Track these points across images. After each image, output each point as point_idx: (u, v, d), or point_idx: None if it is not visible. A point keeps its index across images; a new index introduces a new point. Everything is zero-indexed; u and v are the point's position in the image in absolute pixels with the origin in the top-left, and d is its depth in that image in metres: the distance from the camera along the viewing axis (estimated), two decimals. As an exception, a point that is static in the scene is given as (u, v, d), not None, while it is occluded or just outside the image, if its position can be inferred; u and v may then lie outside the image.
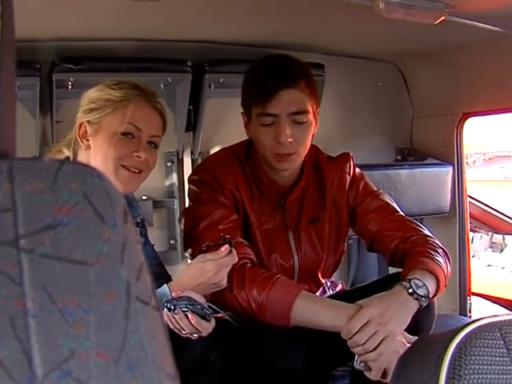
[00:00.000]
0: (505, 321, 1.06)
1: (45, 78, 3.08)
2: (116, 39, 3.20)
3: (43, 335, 0.60)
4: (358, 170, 2.74)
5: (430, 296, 2.30)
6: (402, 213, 2.68)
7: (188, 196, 2.71)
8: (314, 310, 2.28)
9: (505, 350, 1.02)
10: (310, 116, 2.46)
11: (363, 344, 2.17)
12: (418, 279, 2.28)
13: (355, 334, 2.18)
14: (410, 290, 2.26)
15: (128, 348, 0.62)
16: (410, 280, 2.27)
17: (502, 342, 1.03)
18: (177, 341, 2.13)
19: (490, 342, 1.02)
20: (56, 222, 0.62)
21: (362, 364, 2.21)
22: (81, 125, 2.32)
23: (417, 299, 2.25)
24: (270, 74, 2.44)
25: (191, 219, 2.52)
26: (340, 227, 2.69)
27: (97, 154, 2.28)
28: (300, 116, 2.42)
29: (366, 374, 2.21)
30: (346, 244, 2.87)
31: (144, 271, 0.66)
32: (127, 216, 0.66)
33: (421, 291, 2.26)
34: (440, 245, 2.52)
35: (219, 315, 2.12)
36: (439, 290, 2.36)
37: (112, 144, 2.26)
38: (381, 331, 2.17)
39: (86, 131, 2.31)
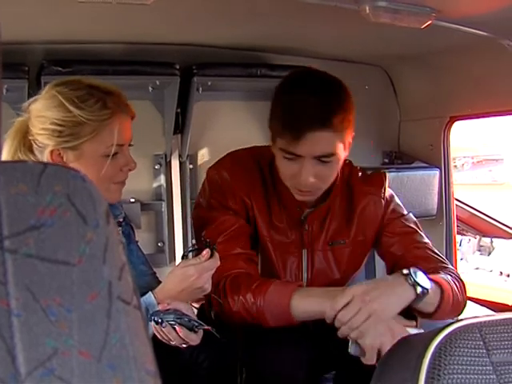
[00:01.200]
0: (485, 322, 1.08)
1: (33, 81, 3.09)
2: (105, 42, 3.21)
3: (27, 334, 0.61)
4: (388, 190, 2.60)
5: (430, 291, 2.19)
6: (427, 240, 2.56)
7: (202, 185, 2.59)
8: (312, 301, 2.22)
9: (484, 351, 1.04)
10: (339, 152, 2.28)
11: (347, 322, 2.11)
12: (420, 271, 2.20)
13: (339, 312, 2.12)
14: (405, 272, 2.18)
15: (109, 346, 0.63)
16: (411, 268, 2.20)
17: (481, 343, 1.04)
18: (163, 343, 2.13)
19: (470, 342, 1.04)
20: (39, 223, 0.64)
21: (357, 348, 2.16)
22: (52, 152, 2.16)
23: (412, 286, 2.17)
24: (301, 111, 2.22)
25: (199, 221, 2.50)
26: (362, 252, 2.57)
27: None
28: (326, 158, 2.25)
29: (362, 359, 2.14)
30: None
31: (126, 271, 0.67)
32: (109, 217, 0.68)
33: (419, 279, 2.17)
34: (459, 277, 2.43)
35: (206, 327, 2.10)
36: (443, 303, 2.25)
37: (98, 168, 2.15)
38: (364, 309, 2.10)
39: (62, 156, 2.17)
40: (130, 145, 2.25)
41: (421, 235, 2.55)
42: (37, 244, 0.63)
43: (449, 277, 2.36)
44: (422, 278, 2.19)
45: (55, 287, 0.63)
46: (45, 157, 2.17)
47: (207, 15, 2.82)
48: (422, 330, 2.14)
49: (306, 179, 2.26)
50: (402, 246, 2.50)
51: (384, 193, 2.56)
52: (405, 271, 2.19)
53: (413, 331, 2.16)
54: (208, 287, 2.17)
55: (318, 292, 2.29)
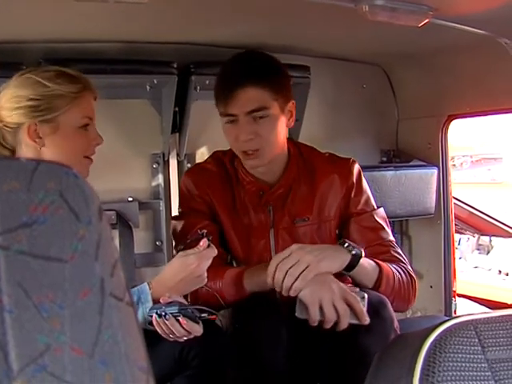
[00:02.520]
0: (480, 319, 1.08)
1: (31, 80, 3.09)
2: (102, 41, 3.20)
3: (19, 330, 0.61)
4: (365, 182, 2.72)
5: (366, 263, 2.41)
6: (392, 238, 2.69)
7: None
8: (259, 272, 2.37)
9: (479, 348, 1.04)
10: (274, 110, 2.47)
11: (287, 272, 2.24)
12: (358, 248, 2.37)
13: (280, 263, 2.26)
14: (341, 241, 2.41)
15: (102, 343, 0.63)
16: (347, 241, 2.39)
17: (476, 340, 1.04)
18: (154, 340, 2.15)
19: (465, 339, 1.04)
20: (32, 220, 0.64)
21: (302, 309, 2.25)
22: (29, 127, 2.25)
23: (347, 249, 2.35)
24: (229, 74, 2.51)
25: (173, 229, 2.68)
26: (327, 231, 2.67)
27: (55, 151, 2.26)
28: (259, 113, 2.45)
29: (309, 322, 2.24)
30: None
31: (118, 268, 0.67)
32: (102, 214, 0.68)
33: (356, 249, 2.35)
34: (411, 275, 2.58)
35: (212, 317, 2.13)
36: (382, 281, 2.44)
37: (72, 139, 2.28)
38: (301, 259, 2.24)
39: (38, 132, 2.25)
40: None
41: (387, 232, 2.67)
42: (29, 241, 0.63)
43: (398, 268, 2.53)
44: (357, 248, 2.38)
45: (47, 284, 0.63)
46: (20, 135, 2.27)
47: (205, 14, 2.82)
48: (365, 294, 2.27)
49: (245, 138, 2.45)
50: (365, 241, 2.60)
51: (350, 174, 2.67)
52: (340, 241, 2.42)
53: (355, 294, 2.27)
54: (205, 278, 2.24)
55: (263, 265, 2.39)
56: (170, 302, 2.09)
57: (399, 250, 2.66)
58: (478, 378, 1.02)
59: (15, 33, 2.79)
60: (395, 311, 2.40)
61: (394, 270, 2.50)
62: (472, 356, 1.03)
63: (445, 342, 1.03)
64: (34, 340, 0.61)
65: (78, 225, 0.66)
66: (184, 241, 2.34)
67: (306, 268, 2.24)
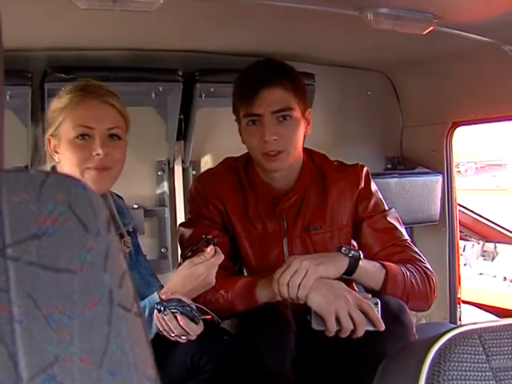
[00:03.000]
0: (484, 328, 1.08)
1: (36, 87, 3.10)
2: (107, 49, 3.21)
3: (28, 340, 0.62)
4: (373, 185, 2.73)
5: (367, 264, 2.42)
6: (407, 238, 2.67)
7: None
8: (268, 284, 2.37)
9: (484, 357, 1.04)
10: (296, 113, 2.51)
11: (289, 283, 2.27)
12: (356, 251, 2.40)
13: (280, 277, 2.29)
14: (338, 248, 2.41)
15: (110, 353, 0.64)
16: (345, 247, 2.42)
17: (481, 349, 1.05)
18: (166, 346, 2.17)
19: (470, 348, 1.04)
20: (41, 231, 0.64)
21: (318, 320, 2.27)
22: (49, 141, 2.35)
23: (344, 253, 2.37)
24: (253, 76, 2.53)
25: (180, 236, 2.66)
26: (341, 239, 2.66)
27: (65, 164, 2.31)
28: (284, 113, 2.47)
29: (326, 333, 2.26)
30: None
31: (126, 278, 0.68)
32: (110, 225, 0.68)
33: (353, 252, 2.38)
34: (428, 273, 2.56)
35: (208, 317, 2.16)
36: (388, 282, 2.43)
37: (72, 150, 2.28)
38: (300, 269, 2.28)
39: (54, 145, 2.34)
40: (113, 135, 2.34)
41: (401, 232, 2.66)
42: (38, 252, 0.64)
43: (412, 268, 2.52)
44: (355, 251, 2.40)
45: (57, 295, 0.64)
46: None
47: (210, 22, 2.83)
48: (378, 300, 2.28)
49: (270, 138, 2.45)
50: (379, 243, 2.62)
51: (360, 180, 2.67)
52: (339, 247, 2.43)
53: (367, 300, 2.28)
54: (213, 282, 2.27)
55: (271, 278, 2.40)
56: (171, 299, 2.12)
57: (415, 249, 2.64)
58: (482, 386, 1.02)
59: (21, 41, 2.80)
60: (414, 311, 2.46)
61: (404, 269, 2.48)
62: (477, 365, 1.03)
63: (449, 350, 1.03)
64: (44, 350, 0.62)
65: (87, 236, 0.66)
66: (191, 248, 2.34)
67: (305, 275, 2.27)
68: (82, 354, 0.63)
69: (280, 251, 2.62)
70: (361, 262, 2.38)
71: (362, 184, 2.67)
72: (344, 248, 2.38)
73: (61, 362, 0.62)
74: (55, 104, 2.34)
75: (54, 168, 2.39)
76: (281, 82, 2.48)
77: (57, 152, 2.33)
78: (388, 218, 2.67)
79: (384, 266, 2.45)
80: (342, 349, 2.35)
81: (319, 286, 2.29)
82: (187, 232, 2.62)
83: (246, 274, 2.69)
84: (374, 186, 2.72)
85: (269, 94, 2.46)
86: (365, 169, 2.72)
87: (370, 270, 2.43)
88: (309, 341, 2.42)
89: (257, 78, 2.50)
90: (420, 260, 2.59)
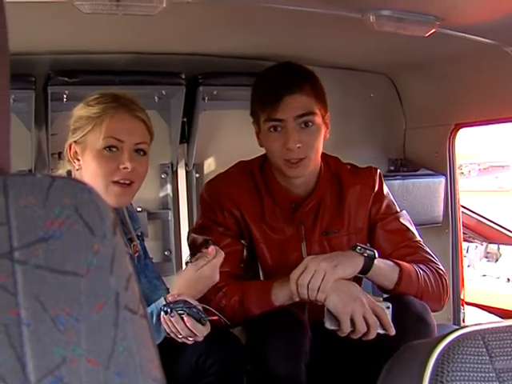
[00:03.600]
0: (488, 329, 1.08)
1: (40, 91, 3.11)
2: (110, 52, 3.22)
3: (36, 343, 0.62)
4: (385, 187, 2.74)
5: (382, 264, 2.43)
6: (419, 239, 2.69)
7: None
8: (285, 286, 2.39)
9: (487, 358, 1.05)
10: (318, 119, 2.52)
11: (308, 285, 2.30)
12: (371, 250, 2.42)
13: (298, 279, 2.32)
14: (353, 246, 2.43)
15: (117, 354, 0.64)
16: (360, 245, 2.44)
17: (484, 350, 1.05)
18: (172, 348, 2.19)
19: (473, 349, 1.05)
20: (48, 234, 0.65)
21: (331, 319, 2.30)
22: (70, 146, 2.34)
23: (360, 252, 2.39)
24: (275, 81, 2.51)
25: (193, 243, 2.58)
26: (359, 240, 2.63)
27: (87, 173, 2.30)
28: (307, 118, 2.48)
29: (339, 333, 2.30)
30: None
31: (132, 281, 0.68)
32: (116, 228, 0.69)
33: (368, 251, 2.40)
34: (441, 274, 2.58)
35: (214, 318, 2.17)
36: (403, 281, 2.45)
37: (97, 161, 2.27)
38: (318, 270, 2.30)
39: (76, 151, 2.32)
40: (139, 150, 2.35)
41: (413, 233, 2.69)
42: (46, 255, 0.65)
43: (425, 268, 2.54)
44: (369, 249, 2.43)
45: (64, 297, 0.64)
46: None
47: (213, 25, 2.83)
48: (390, 304, 2.32)
49: (294, 146, 2.44)
50: (392, 244, 2.63)
51: (374, 183, 2.69)
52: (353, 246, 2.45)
53: (381, 304, 2.33)
54: (217, 278, 2.28)
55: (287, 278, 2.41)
56: (178, 301, 2.14)
57: (428, 250, 2.65)
58: (486, 387, 1.03)
59: (25, 45, 2.81)
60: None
61: (418, 269, 2.50)
62: (480, 366, 1.04)
63: (453, 351, 1.03)
64: (51, 352, 0.63)
65: (93, 239, 0.67)
66: (191, 253, 2.36)
67: (324, 277, 2.29)
68: (89, 355, 0.63)
69: (299, 255, 2.60)
70: (376, 261, 2.40)
71: (377, 187, 2.69)
72: (359, 247, 2.40)
73: (68, 364, 0.62)
74: (82, 111, 2.33)
75: (69, 173, 2.38)
76: (303, 87, 2.48)
77: (78, 159, 2.32)
78: (400, 220, 2.69)
79: (398, 265, 2.47)
80: (361, 348, 2.37)
81: (337, 287, 2.31)
82: (199, 239, 2.52)
83: (262, 279, 2.67)
84: (386, 189, 2.74)
85: (292, 99, 2.45)
86: (378, 171, 2.74)
87: (384, 269, 2.45)
88: (324, 344, 2.44)
89: (279, 83, 2.49)
90: (432, 261, 2.61)
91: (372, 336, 2.29)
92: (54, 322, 0.63)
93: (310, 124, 2.49)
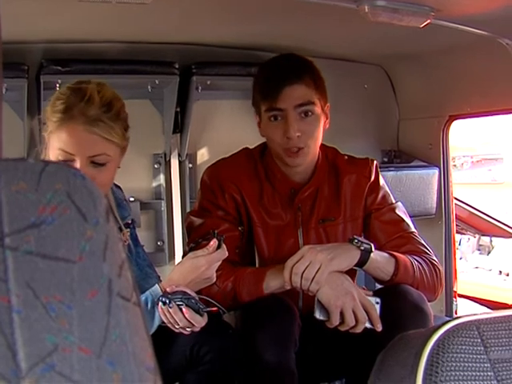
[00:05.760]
0: (482, 319, 1.08)
1: (32, 80, 3.10)
2: (104, 41, 3.21)
3: (27, 330, 0.61)
4: (382, 179, 2.77)
5: (378, 256, 2.45)
6: (414, 230, 2.71)
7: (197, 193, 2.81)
8: (276, 274, 2.42)
9: (482, 348, 1.04)
10: (318, 109, 2.55)
11: (302, 274, 2.31)
12: (367, 243, 2.43)
13: (293, 266, 2.33)
14: (350, 239, 2.44)
15: (109, 342, 0.64)
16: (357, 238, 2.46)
17: (479, 340, 1.05)
18: (166, 337, 2.19)
19: (468, 339, 1.04)
20: (40, 220, 0.64)
21: (322, 310, 2.33)
22: (46, 135, 2.25)
23: (356, 245, 2.40)
24: (276, 72, 2.55)
25: (190, 225, 2.66)
26: (354, 231, 2.69)
27: None
28: (306, 107, 2.52)
29: (327, 324, 2.33)
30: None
31: (125, 268, 0.68)
32: (109, 215, 0.68)
33: (365, 244, 2.41)
34: (435, 264, 2.61)
35: (213, 309, 2.17)
36: (399, 273, 2.47)
37: None
38: (314, 260, 2.32)
39: (45, 141, 2.25)
40: (94, 163, 2.19)
41: (408, 224, 2.71)
42: (37, 241, 0.64)
43: (420, 259, 2.56)
44: (366, 242, 2.44)
45: (55, 284, 0.63)
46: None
47: (206, 14, 2.83)
48: (379, 299, 2.35)
49: (293, 133, 2.48)
50: (386, 235, 2.66)
51: (370, 173, 2.72)
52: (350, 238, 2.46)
53: (371, 299, 2.36)
54: (214, 278, 2.28)
55: (282, 266, 2.42)
56: (176, 292, 2.13)
57: (422, 241, 2.68)
58: (480, 377, 1.02)
59: (17, 33, 2.80)
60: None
61: (413, 260, 2.53)
62: (475, 356, 1.04)
63: (447, 342, 1.03)
64: (43, 339, 0.62)
65: (86, 225, 0.66)
66: (196, 240, 2.36)
67: (319, 268, 2.31)
68: (81, 343, 0.63)
69: (295, 242, 2.64)
70: (372, 255, 2.42)
71: (373, 177, 2.72)
72: (356, 240, 2.42)
73: (60, 351, 0.62)
74: (51, 105, 2.21)
75: None
76: (303, 78, 2.52)
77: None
78: (396, 211, 2.72)
79: (394, 257, 2.49)
80: (356, 339, 2.38)
81: (330, 280, 2.33)
82: (197, 221, 2.61)
83: (258, 265, 2.68)
84: (382, 180, 2.77)
85: (292, 89, 2.49)
86: (375, 162, 2.77)
87: (380, 261, 2.47)
88: (314, 334, 2.47)
89: (280, 73, 2.53)
90: (427, 252, 2.63)
91: (359, 330, 2.31)
92: (45, 308, 0.62)
93: (310, 114, 2.52)
